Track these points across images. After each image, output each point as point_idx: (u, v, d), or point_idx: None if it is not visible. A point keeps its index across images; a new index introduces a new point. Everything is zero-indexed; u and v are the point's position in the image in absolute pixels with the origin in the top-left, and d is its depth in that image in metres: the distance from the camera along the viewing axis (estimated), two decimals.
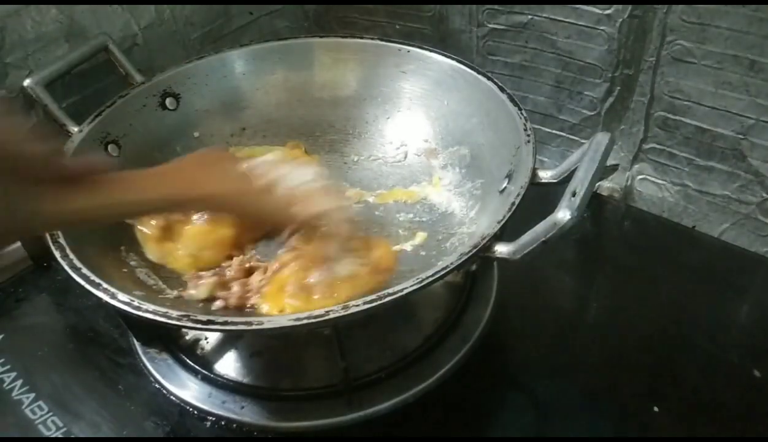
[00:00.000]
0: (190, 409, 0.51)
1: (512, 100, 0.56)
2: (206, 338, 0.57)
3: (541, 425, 0.50)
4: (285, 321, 0.40)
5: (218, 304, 0.50)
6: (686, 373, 0.53)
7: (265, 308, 0.49)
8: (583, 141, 0.71)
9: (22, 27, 0.61)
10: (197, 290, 0.51)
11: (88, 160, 0.36)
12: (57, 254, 0.45)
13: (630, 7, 0.60)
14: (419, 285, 0.40)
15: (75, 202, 0.35)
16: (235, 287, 0.50)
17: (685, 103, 0.62)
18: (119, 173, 0.39)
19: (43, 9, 0.62)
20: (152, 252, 0.54)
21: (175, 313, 0.40)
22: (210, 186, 0.44)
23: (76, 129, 0.58)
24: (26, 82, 0.60)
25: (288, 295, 0.49)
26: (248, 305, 0.50)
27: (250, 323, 0.39)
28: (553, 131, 0.74)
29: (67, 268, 0.44)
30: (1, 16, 0.59)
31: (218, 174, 0.46)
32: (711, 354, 0.54)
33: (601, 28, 0.63)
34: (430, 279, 0.40)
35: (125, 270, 0.51)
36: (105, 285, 0.43)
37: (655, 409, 0.50)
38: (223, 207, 0.49)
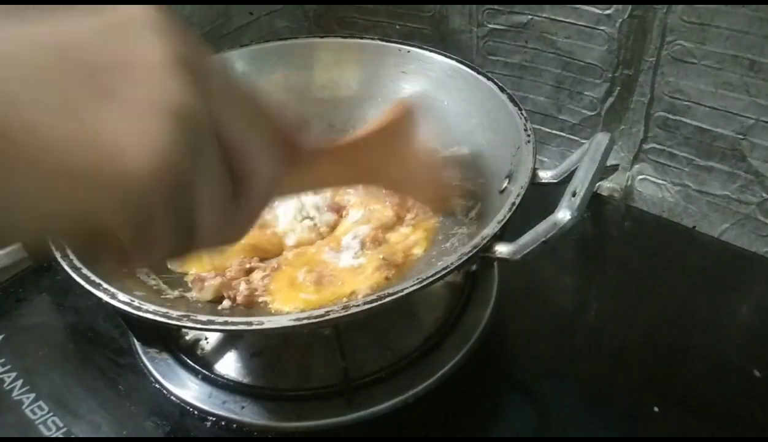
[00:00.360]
0: (191, 409, 0.51)
1: (512, 100, 0.56)
2: (206, 338, 0.57)
3: (541, 425, 0.50)
4: (285, 321, 0.40)
5: (225, 303, 0.50)
6: (686, 373, 0.53)
7: (275, 303, 0.49)
8: (583, 141, 0.71)
9: None
10: (202, 292, 0.51)
11: (314, 142, 0.33)
12: (57, 254, 0.44)
13: (630, 7, 0.60)
14: (419, 285, 0.40)
15: (293, 181, 0.32)
16: (242, 285, 0.50)
17: (685, 103, 0.62)
18: (323, 151, 0.36)
19: None
20: (174, 262, 0.54)
21: (175, 313, 0.40)
22: (397, 177, 0.43)
23: None
24: None
25: (299, 289, 0.49)
26: (258, 301, 0.50)
27: (250, 323, 0.39)
28: (553, 131, 0.74)
29: (67, 268, 0.44)
30: None
31: (410, 168, 0.44)
32: (711, 354, 0.54)
33: (601, 28, 0.63)
34: (430, 279, 0.40)
35: (125, 270, 0.51)
36: (105, 285, 0.42)
37: (655, 409, 0.50)
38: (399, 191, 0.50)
